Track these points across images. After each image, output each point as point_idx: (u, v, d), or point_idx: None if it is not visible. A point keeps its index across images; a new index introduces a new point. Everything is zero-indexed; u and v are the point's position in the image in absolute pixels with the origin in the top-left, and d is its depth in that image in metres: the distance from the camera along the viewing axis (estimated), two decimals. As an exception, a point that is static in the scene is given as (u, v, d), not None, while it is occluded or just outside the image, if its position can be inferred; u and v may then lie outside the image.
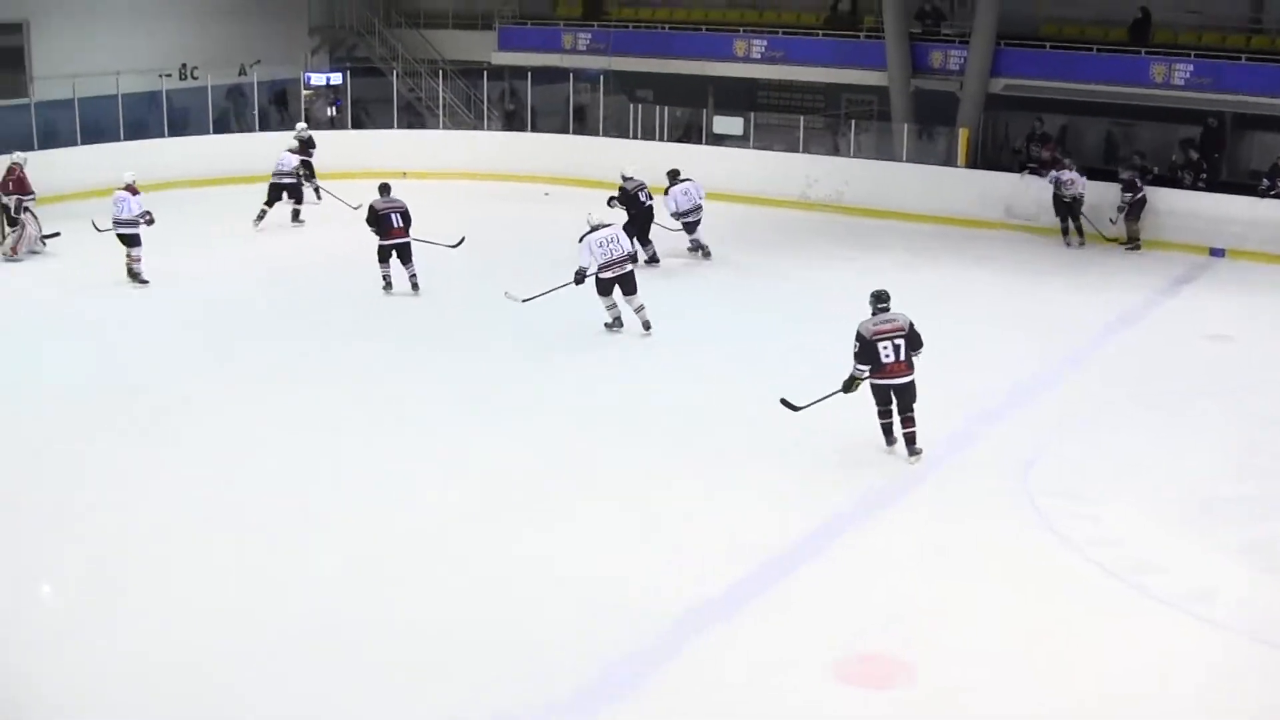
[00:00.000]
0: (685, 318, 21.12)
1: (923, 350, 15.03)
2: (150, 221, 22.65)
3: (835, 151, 31.20)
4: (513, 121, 35.00)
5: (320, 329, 20.51)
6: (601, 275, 19.83)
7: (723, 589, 12.13)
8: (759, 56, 32.91)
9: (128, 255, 22.79)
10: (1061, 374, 18.70)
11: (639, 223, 24.19)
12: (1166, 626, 11.74)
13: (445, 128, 34.48)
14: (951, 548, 13.09)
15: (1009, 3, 29.28)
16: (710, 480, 14.62)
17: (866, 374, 14.85)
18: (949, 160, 29.61)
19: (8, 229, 24.71)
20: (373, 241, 21.96)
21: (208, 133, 32.28)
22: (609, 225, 20.23)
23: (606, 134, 32.70)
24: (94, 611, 11.83)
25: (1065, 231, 26.49)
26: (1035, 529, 13.48)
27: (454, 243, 22.73)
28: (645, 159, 30.80)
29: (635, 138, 32.35)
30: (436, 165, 32.34)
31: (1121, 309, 22.05)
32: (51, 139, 29.58)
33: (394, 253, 21.96)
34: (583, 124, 33.30)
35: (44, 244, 25.00)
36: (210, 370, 18.53)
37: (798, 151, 30.69)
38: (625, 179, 24.47)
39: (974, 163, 29.55)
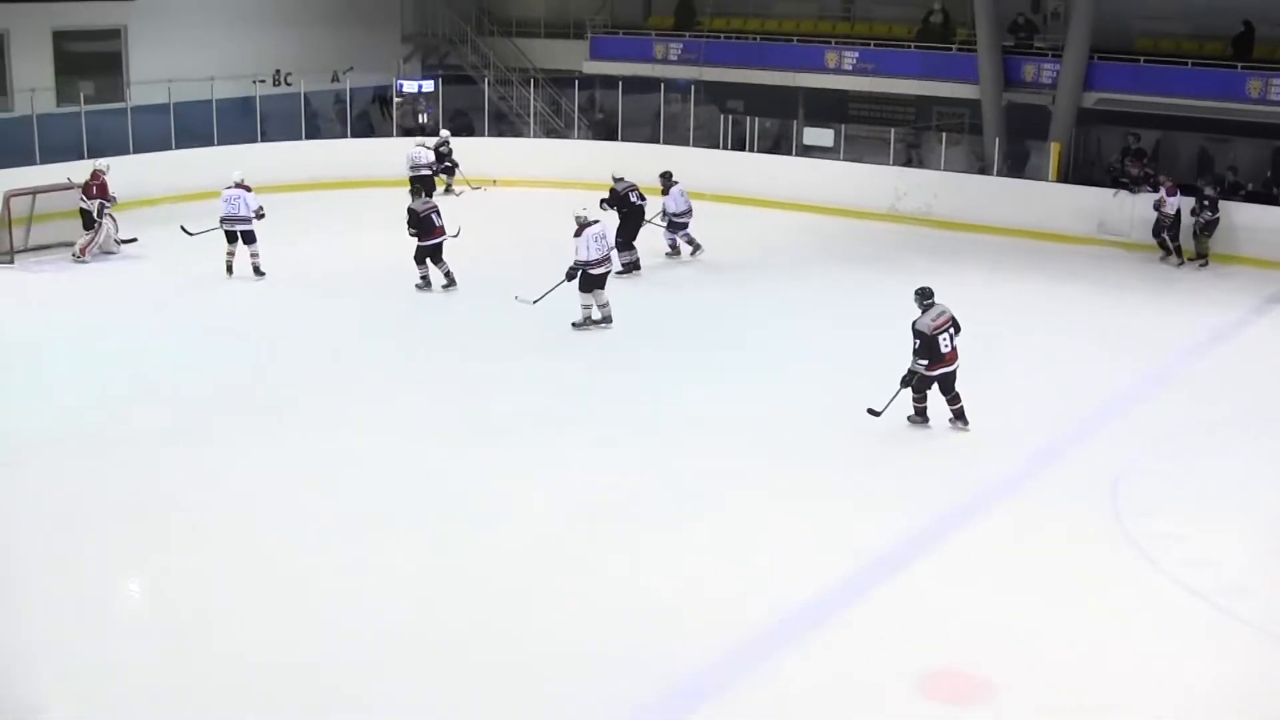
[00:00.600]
0: (767, 328, 21.19)
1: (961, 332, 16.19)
2: (261, 215, 23.36)
3: (925, 164, 31.01)
4: (602, 131, 35.04)
5: (416, 336, 20.76)
6: (592, 271, 20.31)
7: (806, 602, 12.13)
8: (850, 68, 32.78)
9: (230, 253, 23.58)
10: (1151, 392, 18.53)
11: (630, 223, 24.45)
12: (1254, 650, 11.61)
13: (535, 136, 34.58)
14: (1036, 564, 13.02)
15: (1103, 16, 29.01)
16: (793, 494, 14.60)
17: (924, 367, 15.91)
18: (1040, 175, 29.37)
19: (84, 231, 25.09)
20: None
21: (300, 138, 32.54)
22: (598, 221, 20.70)
23: (697, 144, 32.67)
24: (198, 614, 12.00)
25: (1167, 252, 26.16)
26: (1122, 548, 13.38)
27: (453, 233, 23.06)
28: (735, 168, 31.14)
29: (725, 148, 32.32)
30: (526, 173, 32.50)
31: (1212, 327, 21.81)
32: (146, 143, 29.95)
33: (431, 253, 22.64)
34: (673, 134, 33.28)
35: (119, 246, 25.43)
36: (316, 374, 18.86)
37: (887, 164, 30.56)
38: (616, 180, 24.76)
39: (1065, 177, 29.29)
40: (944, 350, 15.94)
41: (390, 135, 34.13)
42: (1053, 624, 11.87)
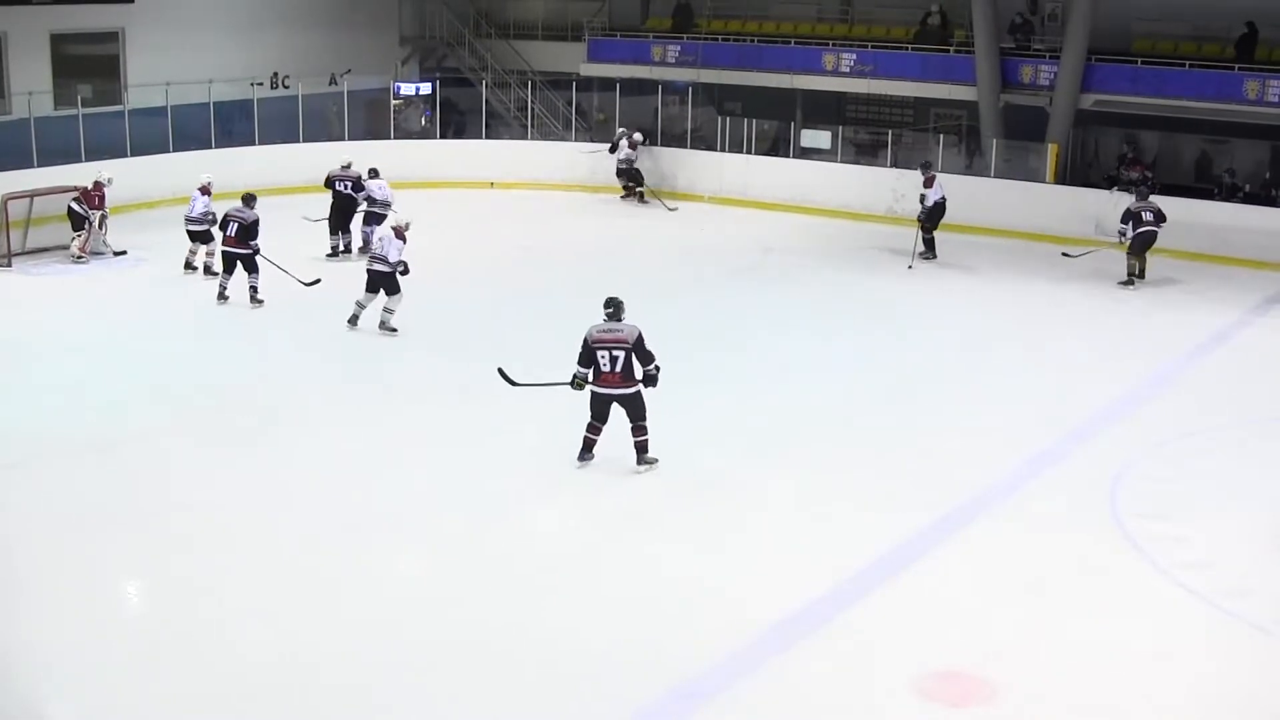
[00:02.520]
0: (766, 330, 21.21)
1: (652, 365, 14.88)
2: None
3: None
4: (600, 133, 35.03)
5: (443, 341, 20.69)
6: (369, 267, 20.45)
7: (807, 603, 12.13)
8: (848, 70, 32.83)
9: (193, 251, 23.85)
10: (1152, 393, 18.55)
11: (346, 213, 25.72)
12: (1255, 650, 11.63)
13: (533, 138, 34.58)
14: (1037, 565, 13.03)
15: (1101, 17, 29.03)
16: (793, 496, 14.63)
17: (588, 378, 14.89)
18: (1038, 176, 29.38)
19: (74, 233, 25.10)
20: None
21: (298, 140, 32.55)
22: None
23: (694, 146, 32.70)
24: (210, 613, 12.03)
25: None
26: (1122, 549, 13.38)
27: (309, 281, 22.53)
28: (733, 170, 31.17)
29: (723, 150, 32.32)
30: (524, 176, 32.55)
31: (1212, 328, 21.83)
32: (144, 146, 29.94)
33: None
34: (671, 136, 33.27)
35: (107, 247, 25.52)
36: (320, 375, 18.97)
37: (885, 166, 30.57)
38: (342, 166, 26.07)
39: (1063, 179, 29.33)
40: (604, 369, 14.78)
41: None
42: (1053, 625, 11.88)
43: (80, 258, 24.90)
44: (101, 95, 31.53)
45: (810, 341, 20.63)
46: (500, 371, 16.11)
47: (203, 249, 23.84)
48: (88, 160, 28.44)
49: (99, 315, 21.97)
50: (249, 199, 22.29)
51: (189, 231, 23.76)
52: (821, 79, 33.18)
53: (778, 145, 33.23)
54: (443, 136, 34.51)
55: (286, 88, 33.96)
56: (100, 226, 25.34)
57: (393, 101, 34.57)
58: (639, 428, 14.91)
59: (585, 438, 15.02)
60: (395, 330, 20.49)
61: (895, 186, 29.74)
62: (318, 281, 22.47)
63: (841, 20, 35.44)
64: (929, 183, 26.32)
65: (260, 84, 33.30)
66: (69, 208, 25.12)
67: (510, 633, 11.63)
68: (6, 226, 24.93)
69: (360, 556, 13.06)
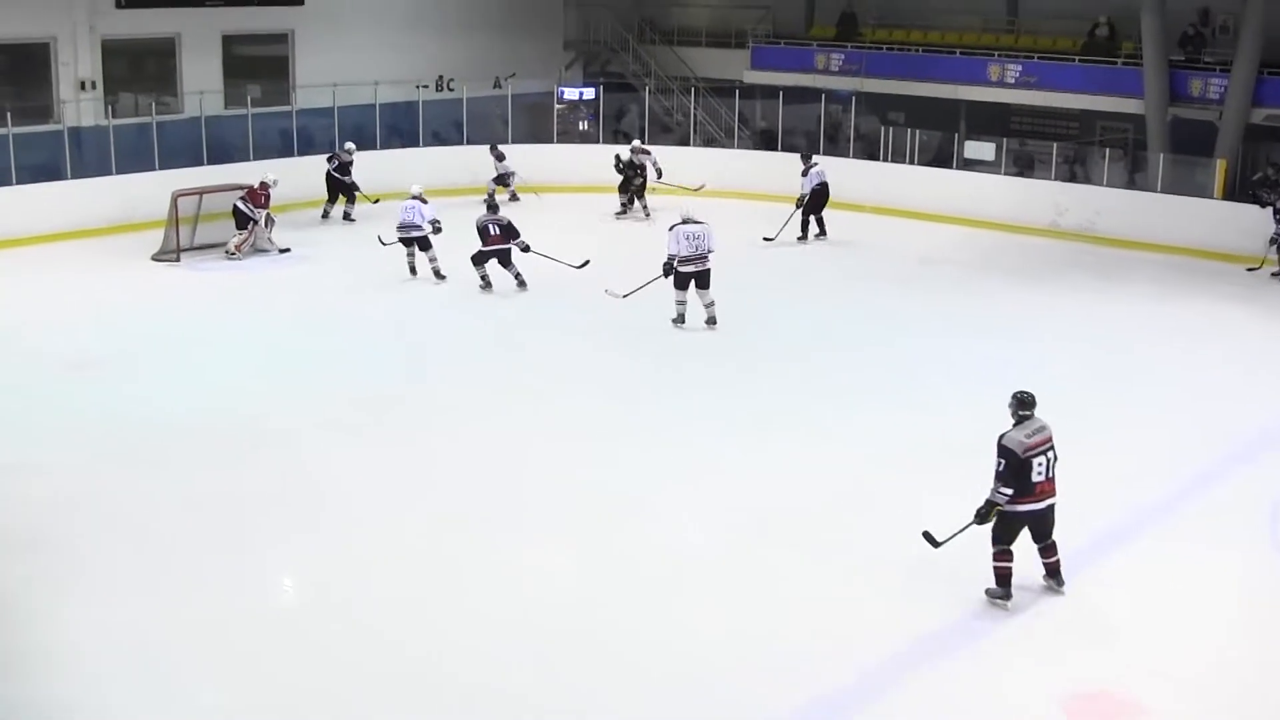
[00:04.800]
0: (918, 343, 21.02)
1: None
2: (438, 229, 23.79)
3: (1088, 180, 30.57)
4: (762, 140, 34.99)
5: (585, 339, 20.97)
6: (681, 269, 20.70)
7: (960, 614, 12.14)
8: (1013, 81, 32.42)
9: (410, 254, 24.13)
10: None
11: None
12: None
13: (696, 145, 34.63)
14: (1193, 587, 12.84)
15: (1273, 29, 28.40)
16: (956, 509, 14.43)
17: (1008, 498, 12.08)
18: (1205, 192, 28.81)
19: (237, 231, 25.60)
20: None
21: (461, 143, 32.94)
22: (701, 222, 21.03)
23: (856, 155, 32.53)
24: (346, 601, 12.39)
25: None
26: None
27: (579, 264, 23.42)
28: (894, 180, 30.96)
29: (886, 160, 32.13)
30: (686, 181, 32.41)
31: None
32: (310, 145, 30.63)
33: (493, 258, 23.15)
34: (834, 145, 33.15)
35: (272, 244, 26.16)
36: (461, 374, 19.28)
37: (1049, 178, 30.19)
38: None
39: (1231, 194, 28.72)
40: (1037, 478, 12.08)
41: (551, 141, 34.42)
42: (1207, 647, 11.72)
43: (234, 254, 25.44)
44: (270, 95, 32.21)
45: (967, 355, 20.40)
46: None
47: (425, 255, 24.08)
48: (256, 159, 29.12)
49: (259, 310, 22.64)
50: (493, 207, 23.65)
51: (412, 239, 23.94)
52: (986, 90, 32.82)
53: (941, 156, 32.95)
54: (605, 141, 34.64)
55: (451, 90, 34.40)
56: (266, 226, 25.87)
57: (556, 106, 34.87)
58: (1052, 545, 12.53)
59: (1003, 569, 12.34)
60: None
61: (1058, 200, 29.36)
62: (587, 263, 23.40)
63: (1007, 31, 35.03)
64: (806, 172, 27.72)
65: (425, 86, 33.84)
66: (234, 207, 25.67)
67: (637, 633, 11.80)
68: (176, 222, 25.55)
69: (503, 551, 13.34)
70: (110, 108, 29.13)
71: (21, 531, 13.72)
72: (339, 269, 24.95)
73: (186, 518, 14.10)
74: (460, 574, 12.92)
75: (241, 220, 25.65)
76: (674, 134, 35.52)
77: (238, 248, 25.59)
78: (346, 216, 29.26)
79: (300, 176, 28.83)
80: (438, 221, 23.83)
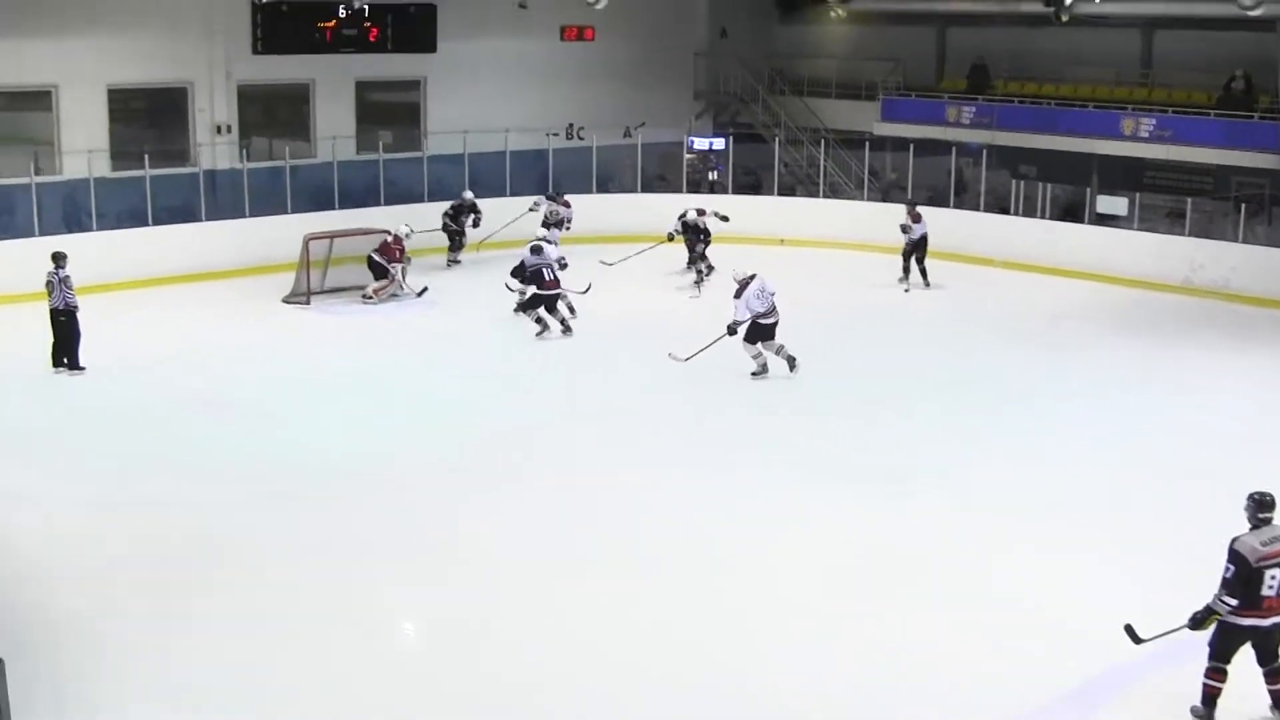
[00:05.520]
0: (1045, 401, 20.80)
1: None
2: (564, 265, 24.27)
3: (1223, 236, 30.11)
4: (892, 193, 34.83)
5: (700, 390, 20.93)
6: (762, 322, 20.90)
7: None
8: (1147, 135, 32.00)
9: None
10: None
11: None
12: None
13: (825, 196, 34.61)
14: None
15: None
16: (1074, 565, 14.37)
17: (1231, 609, 10.96)
18: (1346, 250, 28.30)
19: (375, 281, 25.89)
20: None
21: (590, 191, 33.15)
22: (754, 275, 21.12)
23: (987, 209, 32.31)
24: (474, 636, 12.67)
25: None
26: None
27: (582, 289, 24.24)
28: (1025, 235, 30.69)
29: (1016, 214, 31.90)
30: (814, 233, 32.54)
31: None
32: (441, 191, 30.92)
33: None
34: (962, 198, 32.98)
35: (408, 290, 26.39)
36: (593, 422, 19.43)
37: (1183, 234, 29.78)
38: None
39: (1373, 253, 28.18)
40: (1267, 592, 10.82)
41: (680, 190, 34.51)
42: None
43: (370, 299, 25.74)
44: (401, 141, 32.63)
45: (1098, 414, 20.09)
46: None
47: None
48: (386, 205, 29.50)
49: (389, 352, 22.97)
50: (536, 249, 23.81)
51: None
52: (1119, 144, 32.41)
53: (1072, 210, 32.63)
54: (735, 192, 34.70)
55: (581, 139, 34.64)
56: (402, 276, 26.12)
57: (685, 155, 35.00)
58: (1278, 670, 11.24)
59: (1212, 688, 11.22)
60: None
61: (1193, 256, 28.96)
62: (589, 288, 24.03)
63: (1141, 84, 34.64)
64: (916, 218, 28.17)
65: (556, 134, 34.14)
66: (369, 258, 25.95)
67: (742, 680, 11.86)
68: (307, 265, 25.93)
69: (622, 596, 13.47)
70: (245, 151, 29.73)
71: (160, 566, 14.05)
72: (467, 311, 25.18)
73: (318, 556, 14.36)
74: (581, 619, 13.03)
75: (379, 271, 25.96)
76: (804, 185, 35.44)
77: (375, 293, 25.91)
78: (452, 263, 29.82)
79: (430, 221, 29.16)
80: (564, 259, 24.55)
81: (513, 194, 31.76)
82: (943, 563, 14.41)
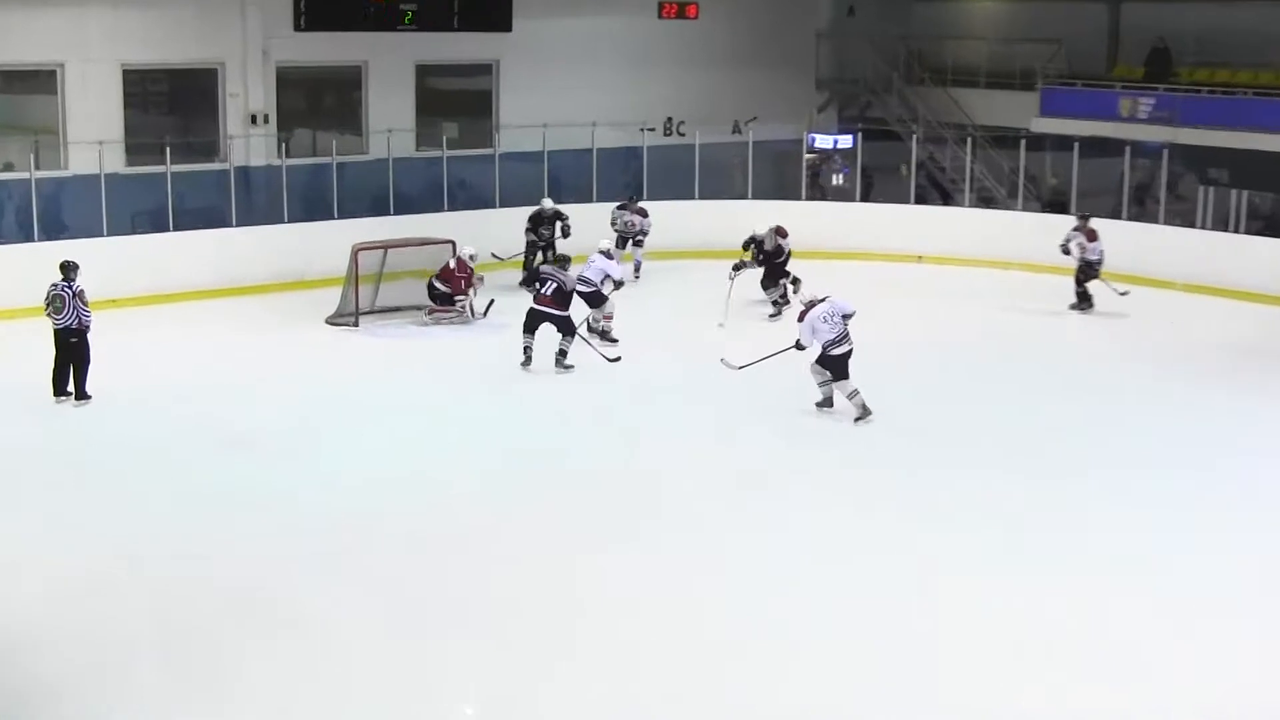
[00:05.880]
0: (1219, 450, 20.24)
1: None
2: (618, 285, 24.53)
3: None
4: (1054, 202, 34.51)
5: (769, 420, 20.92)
6: (831, 352, 20.66)
7: None
8: (1365, 133, 31.54)
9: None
10: None
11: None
12: None
13: (973, 205, 34.29)
14: None
15: None
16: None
17: None
18: None
19: (439, 306, 25.86)
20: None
21: (692, 196, 33.08)
22: (826, 297, 20.95)
23: (1168, 221, 31.89)
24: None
25: None
26: None
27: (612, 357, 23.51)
28: (1213, 251, 30.21)
29: (1204, 227, 31.49)
30: (958, 249, 32.20)
31: None
32: (516, 196, 30.87)
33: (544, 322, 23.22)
34: (1141, 208, 32.59)
35: (476, 314, 26.24)
36: (690, 458, 19.35)
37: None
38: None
39: None
40: None
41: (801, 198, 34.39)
42: None
43: (428, 320, 25.71)
44: (469, 136, 32.65)
45: (1266, 471, 19.49)
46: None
47: (596, 312, 24.61)
48: (450, 210, 29.52)
49: (447, 382, 22.92)
50: (564, 260, 23.95)
51: (580, 294, 24.12)
52: (1330, 143, 32.00)
53: (1272, 223, 32.15)
54: (863, 199, 34.46)
55: (681, 135, 34.67)
56: (470, 305, 25.99)
57: (805, 155, 34.83)
58: None
59: None
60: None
61: None
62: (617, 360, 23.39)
63: (1359, 72, 34.22)
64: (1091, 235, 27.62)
65: (651, 129, 34.14)
66: (430, 285, 25.86)
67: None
68: (355, 280, 25.86)
69: (745, 650, 13.43)
70: (284, 146, 29.84)
71: (186, 637, 13.95)
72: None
73: (376, 624, 14.24)
74: (707, 679, 13.12)
75: (442, 300, 25.87)
76: (947, 193, 35.22)
77: (432, 313, 25.92)
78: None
79: (504, 229, 29.17)
80: (621, 280, 24.84)
81: (600, 199, 31.59)
82: (1138, 647, 14.16)
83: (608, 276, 24.49)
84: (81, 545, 15.94)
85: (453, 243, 26.31)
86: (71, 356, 20.75)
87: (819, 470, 19.03)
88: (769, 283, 27.44)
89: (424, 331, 25.59)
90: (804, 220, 30.47)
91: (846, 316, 20.63)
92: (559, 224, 29.15)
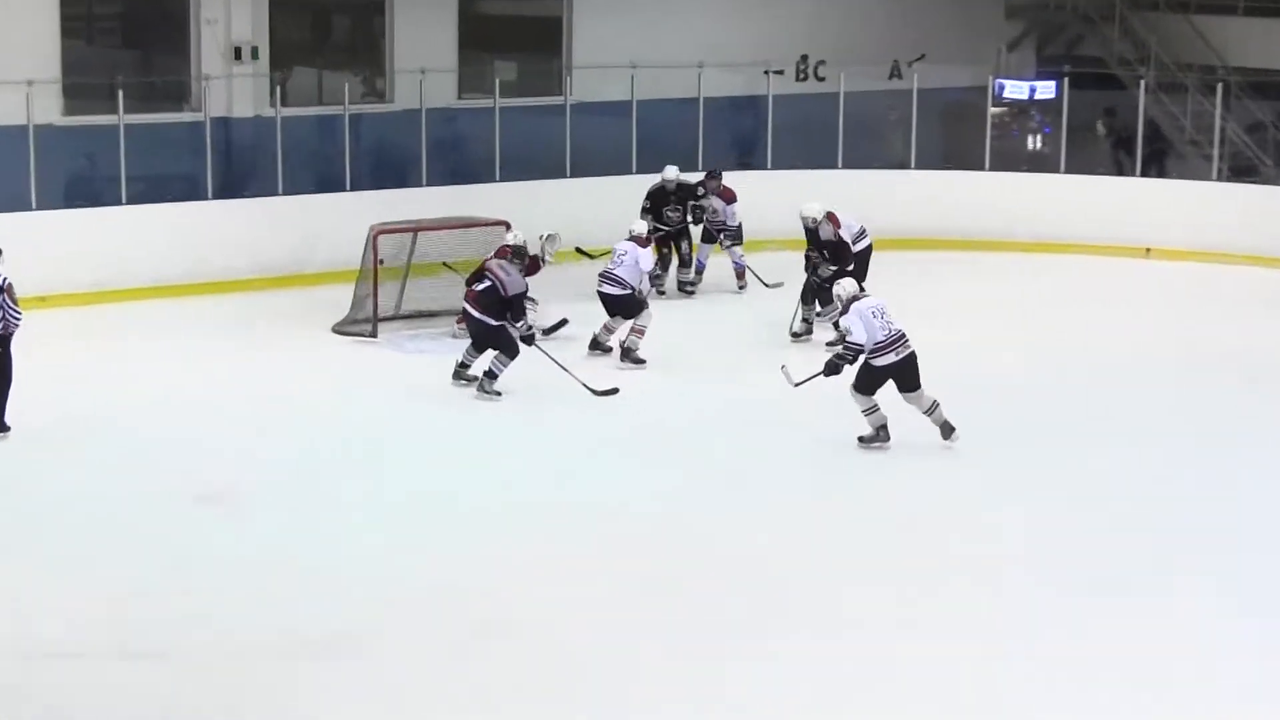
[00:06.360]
0: None
1: None
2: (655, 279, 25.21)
3: None
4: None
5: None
6: (876, 361, 20.83)
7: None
8: None
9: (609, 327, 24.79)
10: None
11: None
12: None
13: (1223, 178, 33.79)
14: None
15: None
16: None
17: None
18: None
19: None
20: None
21: (834, 164, 32.84)
22: (868, 295, 21.49)
23: None
24: None
25: None
26: None
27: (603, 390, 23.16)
28: None
29: None
30: (1199, 240, 31.88)
31: None
32: (590, 161, 30.83)
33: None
34: None
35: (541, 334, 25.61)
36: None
37: None
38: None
39: None
40: None
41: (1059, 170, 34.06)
42: None
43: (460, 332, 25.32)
44: (530, 80, 32.54)
45: None
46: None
47: (626, 323, 24.50)
48: (502, 180, 29.19)
49: (505, 422, 22.51)
50: (520, 253, 23.75)
51: (603, 294, 24.47)
52: None
53: None
54: (1069, 169, 34.12)
55: (820, 79, 34.43)
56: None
57: (990, 109, 34.48)
58: None
59: None
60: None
61: None
62: (614, 391, 23.09)
63: None
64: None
65: (779, 72, 33.88)
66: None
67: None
68: (375, 275, 25.62)
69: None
70: (278, 91, 29.70)
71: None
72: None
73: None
74: None
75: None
76: (1187, 159, 34.77)
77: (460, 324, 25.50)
78: (684, 287, 29.13)
79: (574, 206, 28.90)
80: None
81: (705, 166, 30.97)
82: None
83: (645, 273, 24.53)
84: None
85: (505, 224, 25.77)
86: None
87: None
88: (823, 293, 25.76)
89: (462, 345, 25.21)
90: (986, 196, 30.42)
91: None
92: (692, 205, 28.49)
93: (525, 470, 20.64)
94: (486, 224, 26.20)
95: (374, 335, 25.55)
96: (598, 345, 24.71)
